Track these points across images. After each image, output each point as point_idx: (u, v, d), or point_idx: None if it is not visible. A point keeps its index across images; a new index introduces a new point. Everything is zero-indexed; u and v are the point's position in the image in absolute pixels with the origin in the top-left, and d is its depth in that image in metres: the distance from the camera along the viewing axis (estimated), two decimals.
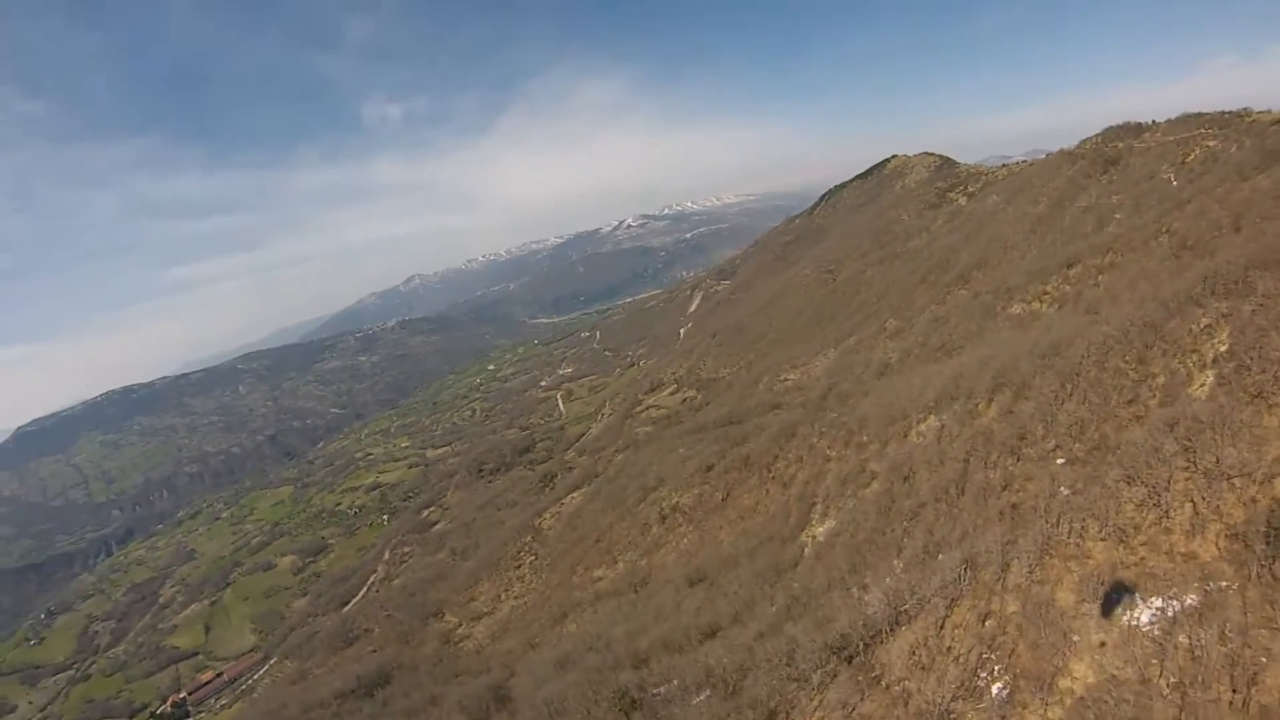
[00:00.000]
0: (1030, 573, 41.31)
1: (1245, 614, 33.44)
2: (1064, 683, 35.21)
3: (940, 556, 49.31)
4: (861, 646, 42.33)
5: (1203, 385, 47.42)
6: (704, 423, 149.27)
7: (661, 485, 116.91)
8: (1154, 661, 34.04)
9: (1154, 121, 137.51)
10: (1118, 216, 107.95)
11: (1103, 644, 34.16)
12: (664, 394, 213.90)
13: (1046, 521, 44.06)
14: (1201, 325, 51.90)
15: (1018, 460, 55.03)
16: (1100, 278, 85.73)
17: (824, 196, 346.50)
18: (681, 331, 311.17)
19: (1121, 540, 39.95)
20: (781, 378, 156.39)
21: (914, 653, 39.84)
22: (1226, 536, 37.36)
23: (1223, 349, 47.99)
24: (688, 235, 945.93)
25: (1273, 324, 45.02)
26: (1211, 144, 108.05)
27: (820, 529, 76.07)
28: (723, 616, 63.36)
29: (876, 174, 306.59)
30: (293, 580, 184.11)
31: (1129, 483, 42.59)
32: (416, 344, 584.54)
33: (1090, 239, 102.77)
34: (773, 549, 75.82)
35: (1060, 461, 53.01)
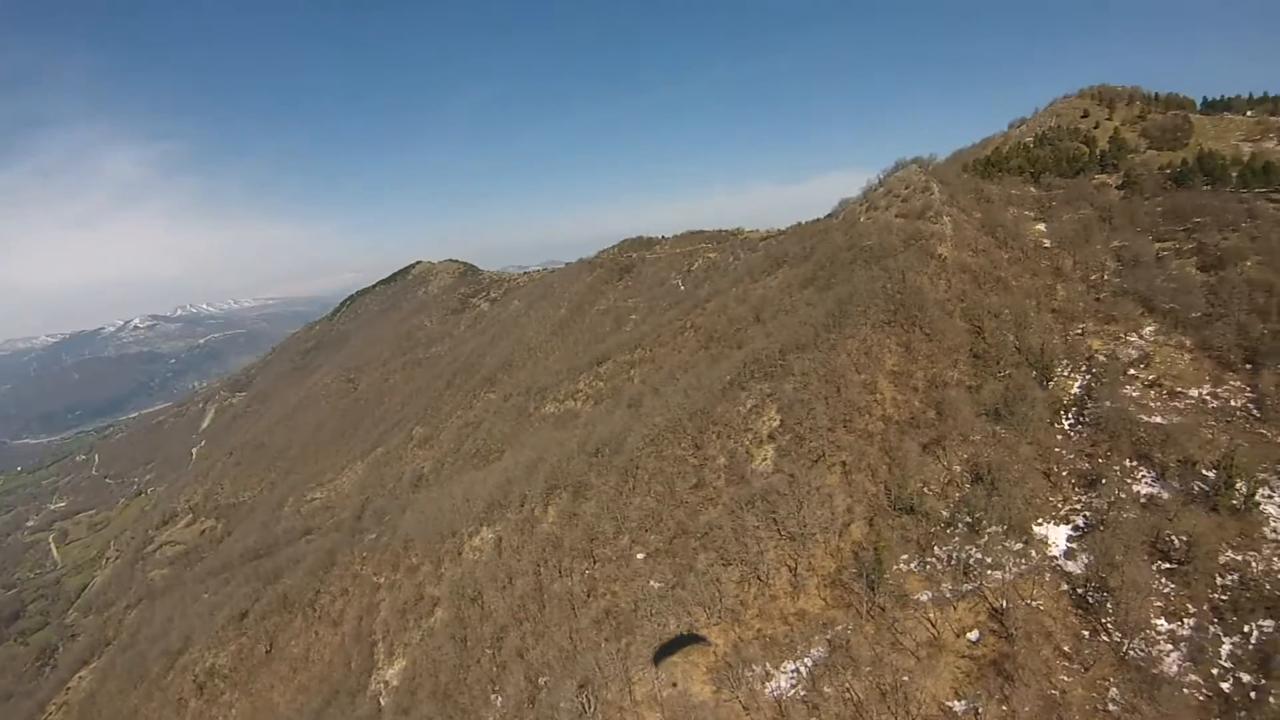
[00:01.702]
0: (658, 678, 49.62)
1: (872, 647, 46.08)
2: None
3: (543, 681, 54.81)
4: None
5: (765, 459, 65.80)
6: (229, 558, 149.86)
7: (190, 645, 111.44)
8: (812, 719, 44.14)
9: (663, 236, 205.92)
10: (634, 317, 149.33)
11: None
12: (179, 526, 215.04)
13: (652, 622, 54.30)
14: (749, 406, 72.51)
15: (594, 563, 65.87)
16: (633, 372, 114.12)
17: (346, 302, 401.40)
18: (194, 451, 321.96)
19: (735, 620, 50.40)
20: (309, 497, 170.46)
21: None
22: (827, 587, 51.75)
23: (775, 424, 67.63)
24: (201, 341, 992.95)
25: (814, 396, 66.27)
26: (712, 255, 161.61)
27: (390, 671, 76.37)
28: None
29: (400, 279, 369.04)
30: None
31: (724, 564, 55.00)
32: None
33: (616, 337, 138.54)
34: (341, 705, 73.22)
35: (641, 556, 64.75)
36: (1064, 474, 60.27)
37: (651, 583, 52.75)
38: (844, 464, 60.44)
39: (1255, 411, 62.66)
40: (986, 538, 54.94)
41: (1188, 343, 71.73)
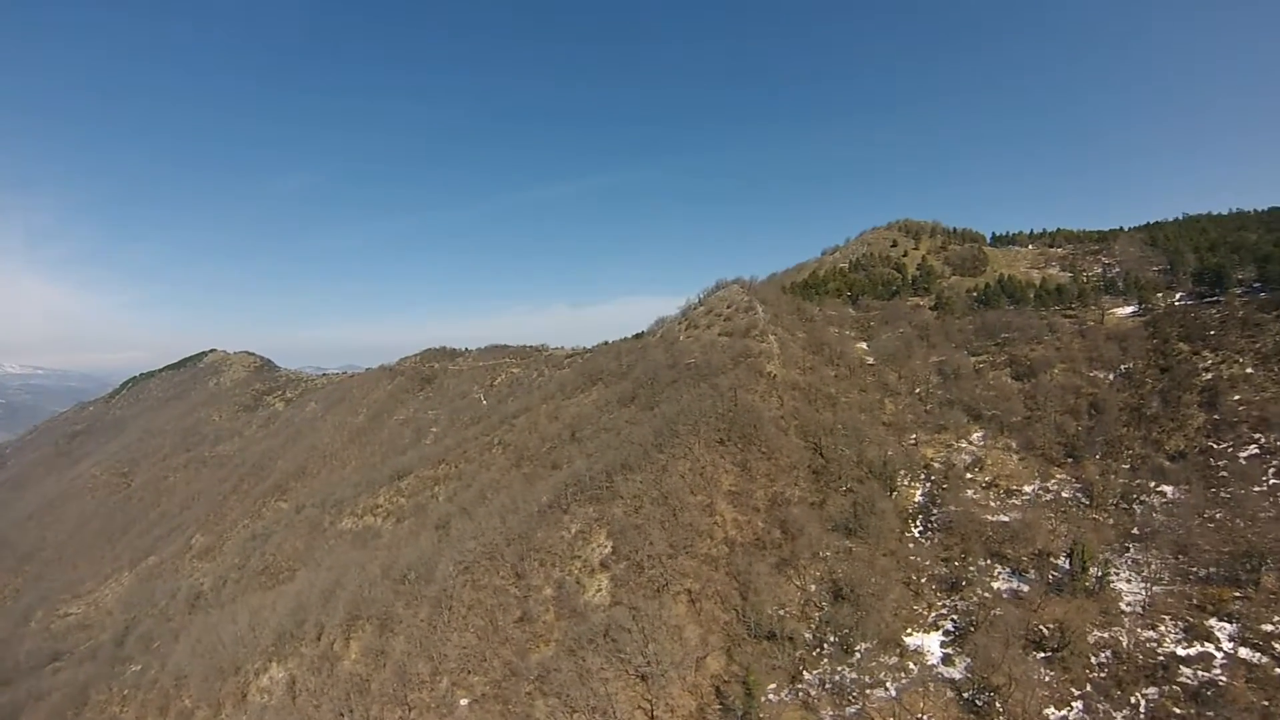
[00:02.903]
0: None
1: None
2: None
3: None
4: None
5: (599, 590, 67.46)
6: None
7: None
8: None
9: (467, 348, 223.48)
10: (435, 430, 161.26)
11: None
12: None
13: None
14: (574, 531, 75.23)
15: (410, 710, 62.57)
16: (438, 489, 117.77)
17: (127, 383, 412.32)
18: None
19: None
20: (62, 612, 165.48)
21: None
22: None
23: (607, 551, 70.52)
24: None
25: (648, 521, 70.06)
26: (515, 370, 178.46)
27: None
28: None
29: (191, 366, 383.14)
30: None
31: (569, 710, 55.36)
32: None
33: (417, 450, 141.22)
34: None
35: (465, 703, 62.81)
36: (923, 581, 66.81)
37: None
38: (690, 592, 62.01)
39: (1084, 500, 75.21)
40: (859, 655, 58.50)
41: (1013, 444, 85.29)
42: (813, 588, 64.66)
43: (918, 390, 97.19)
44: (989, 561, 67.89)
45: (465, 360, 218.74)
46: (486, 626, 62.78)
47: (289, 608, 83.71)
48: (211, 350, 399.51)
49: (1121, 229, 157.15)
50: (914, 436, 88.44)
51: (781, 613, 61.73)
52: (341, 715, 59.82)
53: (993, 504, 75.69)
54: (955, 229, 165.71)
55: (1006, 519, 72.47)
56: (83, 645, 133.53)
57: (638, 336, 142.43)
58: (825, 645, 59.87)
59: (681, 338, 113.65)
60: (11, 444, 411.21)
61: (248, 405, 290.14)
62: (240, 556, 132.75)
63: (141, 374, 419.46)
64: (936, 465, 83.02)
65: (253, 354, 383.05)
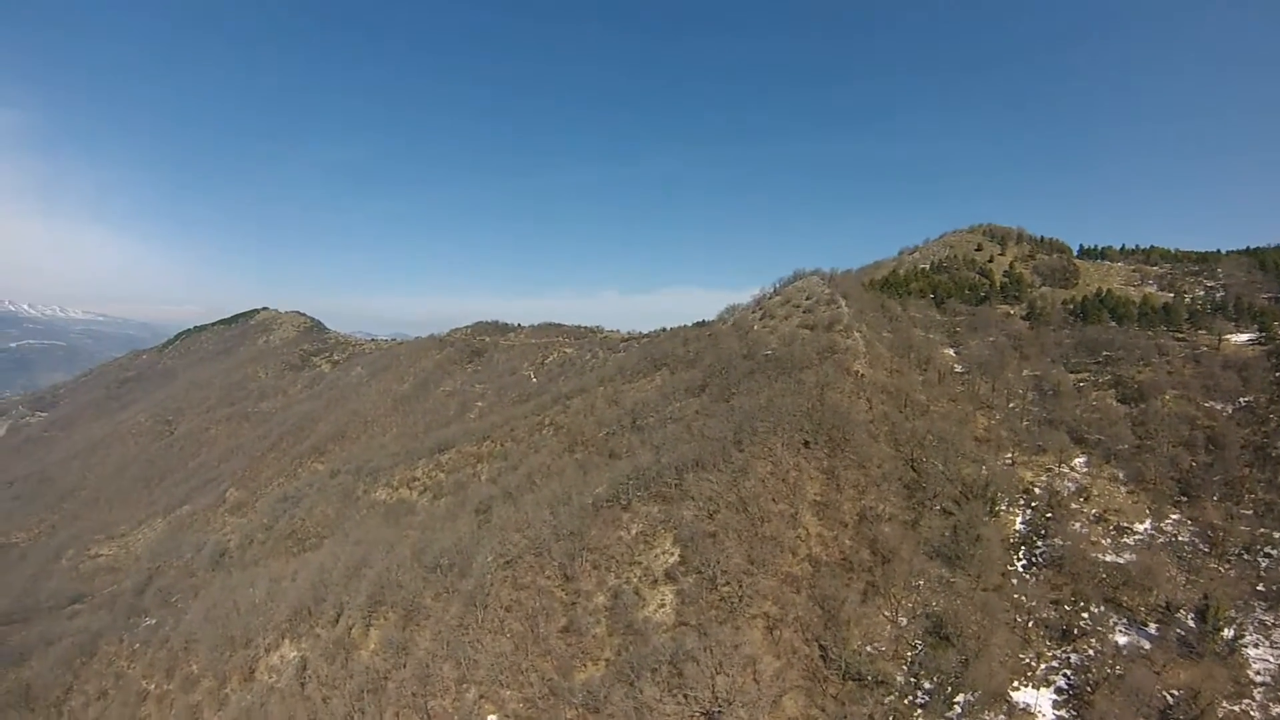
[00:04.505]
0: None
1: None
2: None
3: None
4: None
5: (662, 605, 58.13)
6: None
7: None
8: None
9: (519, 324, 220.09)
10: (480, 404, 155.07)
11: None
12: None
13: None
14: (634, 533, 65.21)
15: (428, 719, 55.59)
16: (480, 467, 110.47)
17: (180, 335, 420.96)
18: None
19: None
20: (93, 552, 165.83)
21: None
22: None
23: (673, 560, 60.90)
24: (13, 345, 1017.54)
25: (722, 527, 61.09)
26: (568, 350, 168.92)
27: None
28: None
29: (242, 322, 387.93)
30: None
31: None
32: None
33: (461, 424, 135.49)
34: None
35: (493, 719, 56.07)
36: (1030, 625, 57.70)
37: None
38: (768, 616, 53.89)
39: (1203, 546, 65.18)
40: (959, 709, 50.02)
41: (1121, 475, 74.46)
42: (904, 621, 55.89)
43: (1012, 404, 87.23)
44: (1103, 609, 58.51)
45: (517, 336, 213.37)
46: (526, 633, 55.25)
47: (309, 581, 78.32)
48: (264, 308, 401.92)
49: (1219, 251, 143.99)
50: (1010, 456, 78.72)
51: (870, 649, 52.85)
52: (351, 713, 52.70)
53: (1104, 541, 66.05)
54: (1042, 238, 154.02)
55: (1121, 560, 62.76)
56: (105, 590, 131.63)
57: (700, 324, 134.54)
58: (919, 693, 50.87)
59: (756, 327, 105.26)
60: (66, 385, 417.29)
61: (294, 365, 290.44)
62: (269, 517, 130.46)
63: (195, 327, 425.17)
64: (1037, 490, 73.31)
65: (303, 314, 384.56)
